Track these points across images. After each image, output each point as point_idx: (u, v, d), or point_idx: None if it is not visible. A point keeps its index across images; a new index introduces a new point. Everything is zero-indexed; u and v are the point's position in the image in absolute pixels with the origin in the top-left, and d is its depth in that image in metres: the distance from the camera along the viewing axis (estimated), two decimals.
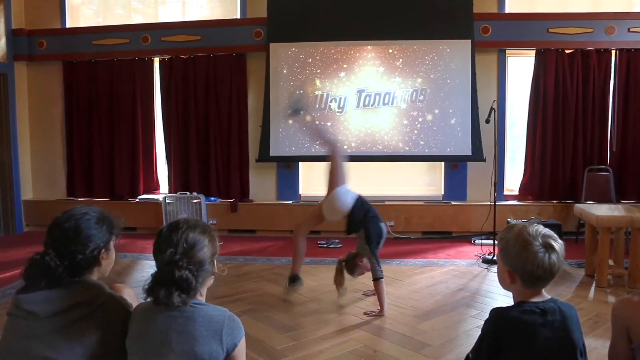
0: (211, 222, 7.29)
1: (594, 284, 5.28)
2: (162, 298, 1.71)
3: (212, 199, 7.68)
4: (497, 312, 1.91)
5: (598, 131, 7.44)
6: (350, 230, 4.71)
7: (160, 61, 7.97)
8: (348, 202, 4.64)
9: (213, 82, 7.77)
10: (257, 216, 7.65)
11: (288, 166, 7.78)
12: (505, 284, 1.95)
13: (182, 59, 7.82)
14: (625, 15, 7.33)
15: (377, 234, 4.57)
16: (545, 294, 1.90)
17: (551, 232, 1.89)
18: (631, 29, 7.26)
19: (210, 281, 1.91)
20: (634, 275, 5.07)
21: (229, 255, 6.44)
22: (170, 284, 1.72)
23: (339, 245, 6.90)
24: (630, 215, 5.16)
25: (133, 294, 2.08)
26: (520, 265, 1.86)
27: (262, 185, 7.86)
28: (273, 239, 7.31)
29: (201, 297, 1.84)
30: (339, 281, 4.70)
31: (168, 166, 7.97)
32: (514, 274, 1.88)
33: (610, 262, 5.41)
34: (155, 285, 1.74)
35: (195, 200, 7.23)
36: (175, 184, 7.86)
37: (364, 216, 4.60)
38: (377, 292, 4.47)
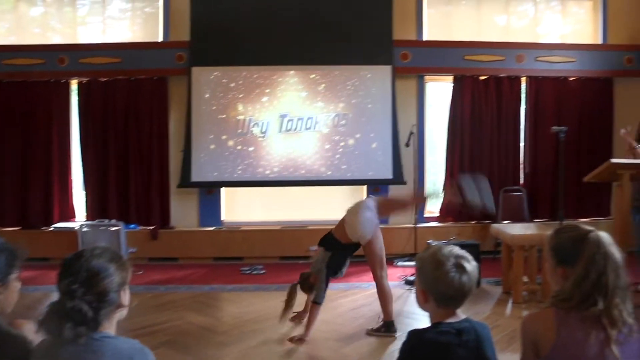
0: (130, 250, 7.05)
1: (510, 301, 5.47)
2: (54, 331, 1.62)
3: (132, 226, 7.42)
4: (413, 334, 1.95)
5: (511, 153, 7.78)
6: (324, 243, 4.68)
7: (78, 83, 7.68)
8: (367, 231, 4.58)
9: (133, 105, 7.55)
10: (178, 243, 7.45)
11: (210, 192, 7.65)
12: (420, 304, 2.00)
13: (101, 82, 7.57)
14: (532, 45, 7.78)
15: (339, 265, 4.58)
16: (460, 314, 1.96)
17: (465, 254, 1.95)
18: (538, 58, 7.68)
19: (121, 312, 1.81)
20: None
21: (148, 285, 6.23)
22: (63, 315, 1.62)
23: (262, 272, 6.82)
24: (542, 233, 5.39)
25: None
26: (433, 284, 1.92)
27: (183, 212, 7.67)
28: (195, 267, 7.14)
29: (110, 330, 1.75)
30: (290, 304, 4.63)
31: (85, 193, 7.65)
32: (427, 293, 1.94)
33: (525, 279, 5.62)
34: (48, 317, 1.64)
35: (114, 228, 6.97)
36: (93, 212, 7.55)
37: (348, 247, 4.60)
38: (310, 315, 4.44)
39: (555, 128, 6.17)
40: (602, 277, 1.84)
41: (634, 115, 6.86)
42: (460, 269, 1.89)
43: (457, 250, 1.96)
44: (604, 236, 1.93)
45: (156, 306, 5.42)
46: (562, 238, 2.01)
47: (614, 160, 5.39)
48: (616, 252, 1.90)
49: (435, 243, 6.18)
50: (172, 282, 6.39)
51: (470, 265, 1.92)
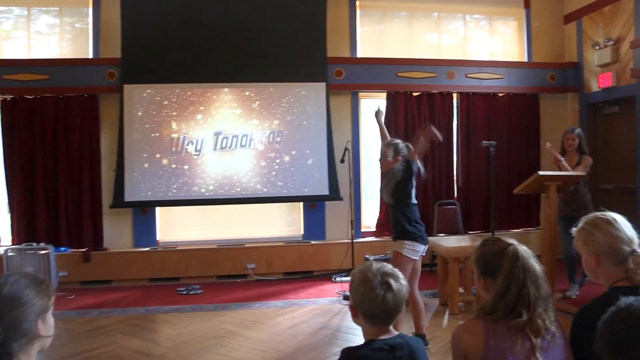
0: (61, 274, 6.78)
1: (447, 312, 5.59)
2: None
3: (63, 249, 7.14)
4: (347, 352, 1.97)
5: (445, 168, 7.96)
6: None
7: (1, 101, 7.32)
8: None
9: (62, 124, 7.28)
10: (112, 265, 7.22)
11: (144, 211, 7.47)
12: (353, 318, 2.01)
13: (27, 100, 7.26)
14: (463, 62, 8.02)
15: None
16: (393, 331, 1.98)
17: (394, 272, 1.97)
18: (468, 75, 7.93)
19: (42, 342, 1.68)
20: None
21: (80, 309, 6.02)
22: None
23: (199, 292, 6.70)
24: (475, 245, 5.52)
25: None
26: (360, 301, 1.95)
27: (117, 233, 7.44)
28: (130, 289, 6.93)
29: None
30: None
31: (10, 215, 7.30)
32: (357, 309, 1.96)
33: (461, 290, 5.75)
34: None
35: (43, 252, 6.67)
36: (19, 235, 7.19)
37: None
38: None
39: (485, 143, 6.37)
40: (523, 290, 1.91)
41: (559, 129, 7.18)
42: (386, 286, 1.91)
43: (386, 267, 1.98)
44: (522, 250, 1.99)
45: (88, 331, 5.25)
46: (484, 251, 2.08)
47: (541, 173, 5.62)
48: (535, 265, 1.97)
49: (372, 258, 6.28)
50: (106, 306, 6.20)
51: (397, 283, 1.93)
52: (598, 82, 7.72)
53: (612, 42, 7.41)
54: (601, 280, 2.05)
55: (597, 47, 7.70)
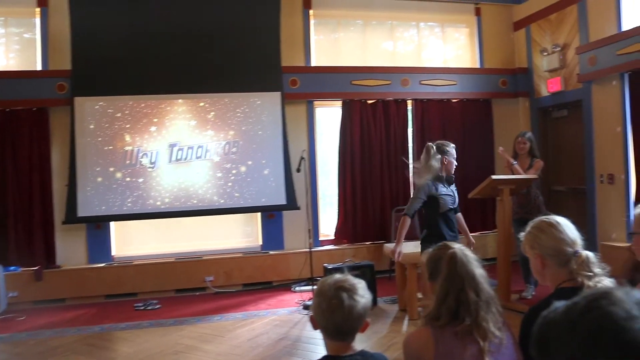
0: (11, 294, 6.57)
1: (406, 318, 5.62)
2: None
3: (12, 268, 6.89)
4: None
5: (401, 173, 8.01)
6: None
7: None
8: None
9: (10, 139, 7.02)
10: (65, 283, 7.00)
11: (98, 227, 7.28)
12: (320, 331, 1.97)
13: None
14: (416, 69, 8.12)
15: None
16: (355, 347, 1.92)
17: (352, 286, 1.89)
18: (422, 82, 8.03)
19: None
20: None
21: (32, 331, 5.80)
22: None
23: (157, 307, 6.57)
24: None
25: None
26: (314, 313, 1.92)
27: (70, 249, 7.22)
28: (84, 307, 6.74)
29: None
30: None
31: None
32: (316, 322, 1.93)
33: (419, 295, 5.78)
34: None
35: None
36: None
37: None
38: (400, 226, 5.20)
39: None
40: (462, 294, 1.93)
41: (510, 133, 7.33)
42: (336, 301, 1.84)
43: (345, 282, 1.89)
44: (461, 254, 2.02)
45: (40, 353, 5.07)
46: (430, 255, 2.12)
47: (494, 177, 5.71)
48: (474, 269, 2.00)
49: (331, 266, 6.27)
50: (59, 326, 5.99)
51: (351, 300, 1.84)
52: (547, 86, 7.92)
53: (559, 48, 7.62)
54: (548, 282, 2.09)
55: (545, 53, 7.89)
